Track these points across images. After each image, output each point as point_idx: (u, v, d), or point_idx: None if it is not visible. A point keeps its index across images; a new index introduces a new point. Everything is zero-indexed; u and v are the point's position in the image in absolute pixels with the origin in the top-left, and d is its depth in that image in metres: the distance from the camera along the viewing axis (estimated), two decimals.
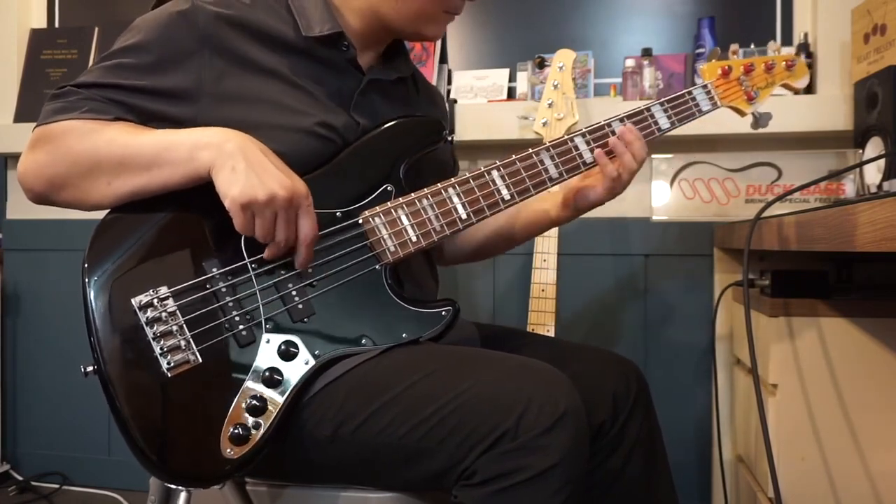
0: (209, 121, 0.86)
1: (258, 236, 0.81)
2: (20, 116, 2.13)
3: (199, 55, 0.87)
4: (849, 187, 1.63)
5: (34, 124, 0.86)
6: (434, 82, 1.94)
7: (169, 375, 0.79)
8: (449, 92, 1.97)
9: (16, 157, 2.16)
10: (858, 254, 1.27)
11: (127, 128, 0.85)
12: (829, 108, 1.67)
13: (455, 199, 0.92)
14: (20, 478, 2.12)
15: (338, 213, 0.89)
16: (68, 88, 0.86)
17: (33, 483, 2.11)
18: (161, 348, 0.79)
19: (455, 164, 1.21)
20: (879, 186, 1.40)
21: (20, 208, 2.19)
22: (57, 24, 2.27)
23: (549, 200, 1.11)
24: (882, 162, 1.41)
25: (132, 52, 0.87)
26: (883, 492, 1.15)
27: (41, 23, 2.26)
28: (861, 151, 1.51)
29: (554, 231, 1.54)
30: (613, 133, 0.98)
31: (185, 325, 0.80)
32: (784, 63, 1.07)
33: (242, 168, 0.79)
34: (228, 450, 0.78)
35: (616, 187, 1.00)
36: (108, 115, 0.85)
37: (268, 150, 0.83)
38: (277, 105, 0.89)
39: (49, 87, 2.12)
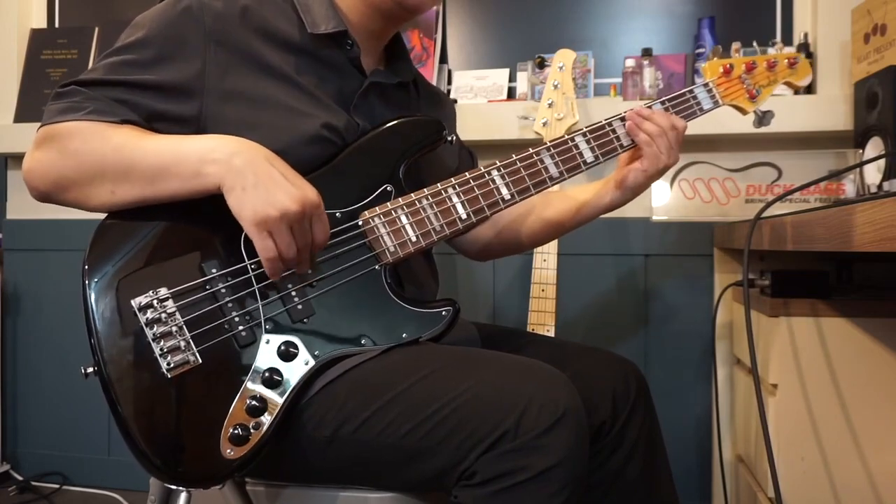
0: (213, 119, 0.86)
1: (281, 254, 0.79)
2: (20, 116, 2.13)
3: (203, 49, 0.87)
4: (849, 187, 1.63)
5: (38, 123, 0.86)
6: (434, 82, 1.94)
7: (169, 376, 0.79)
8: (449, 92, 1.97)
9: (16, 157, 2.16)
10: (858, 254, 1.27)
11: (134, 133, 0.84)
12: (829, 108, 1.67)
13: (455, 199, 0.92)
14: (20, 478, 2.12)
15: (337, 214, 0.89)
16: (72, 87, 0.85)
17: (33, 483, 2.11)
18: (161, 349, 0.79)
19: (461, 163, 1.18)
20: (879, 186, 1.40)
21: (20, 208, 2.19)
22: (57, 24, 2.27)
23: (598, 187, 1.08)
24: (882, 162, 1.41)
25: (136, 49, 0.87)
26: (883, 492, 1.15)
27: (41, 23, 2.26)
28: (861, 151, 1.51)
29: None
30: (614, 132, 0.99)
31: (184, 326, 0.80)
32: (787, 61, 1.07)
33: (251, 185, 0.78)
34: (228, 450, 0.78)
35: (655, 153, 0.98)
36: (113, 118, 0.83)
37: (275, 158, 0.81)
38: (283, 106, 0.89)
39: (49, 87, 2.12)
